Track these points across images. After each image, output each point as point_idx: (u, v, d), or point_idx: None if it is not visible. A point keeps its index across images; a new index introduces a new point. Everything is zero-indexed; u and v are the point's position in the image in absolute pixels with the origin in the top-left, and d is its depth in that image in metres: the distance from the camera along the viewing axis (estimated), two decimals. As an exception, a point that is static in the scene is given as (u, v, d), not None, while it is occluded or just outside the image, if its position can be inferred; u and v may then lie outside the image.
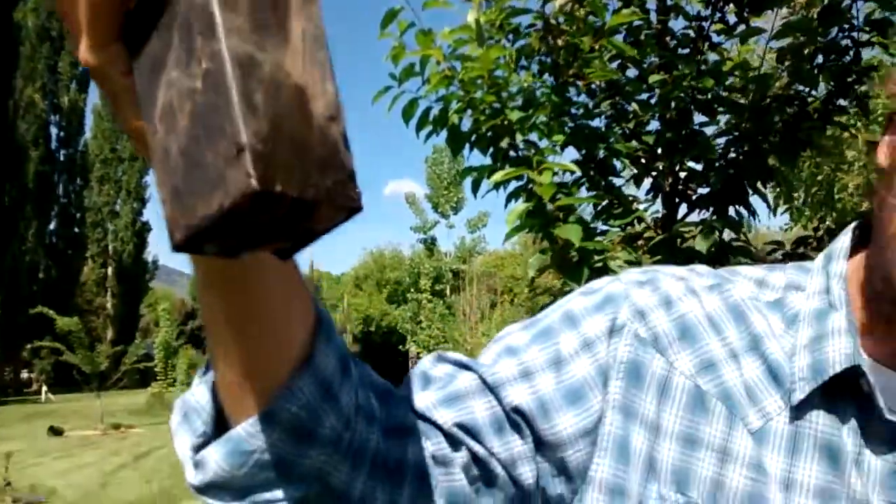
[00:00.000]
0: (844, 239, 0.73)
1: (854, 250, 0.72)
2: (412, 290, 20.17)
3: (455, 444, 0.67)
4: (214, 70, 0.36)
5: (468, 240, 22.35)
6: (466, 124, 2.45)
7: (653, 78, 2.46)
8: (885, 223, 0.63)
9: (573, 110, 2.58)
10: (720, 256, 2.47)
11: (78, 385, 27.21)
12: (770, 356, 0.68)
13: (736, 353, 0.69)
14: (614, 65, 2.60)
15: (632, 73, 2.65)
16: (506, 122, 2.32)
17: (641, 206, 2.71)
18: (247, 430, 0.56)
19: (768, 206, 2.50)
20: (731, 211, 2.45)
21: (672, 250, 2.51)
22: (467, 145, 2.50)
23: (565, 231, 2.09)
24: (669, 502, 0.65)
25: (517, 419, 0.69)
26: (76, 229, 38.65)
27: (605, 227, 2.64)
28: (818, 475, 0.64)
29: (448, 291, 20.23)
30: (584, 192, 2.64)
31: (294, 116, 0.37)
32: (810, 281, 0.72)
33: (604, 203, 2.67)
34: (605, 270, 2.30)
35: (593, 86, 2.64)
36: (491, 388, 0.70)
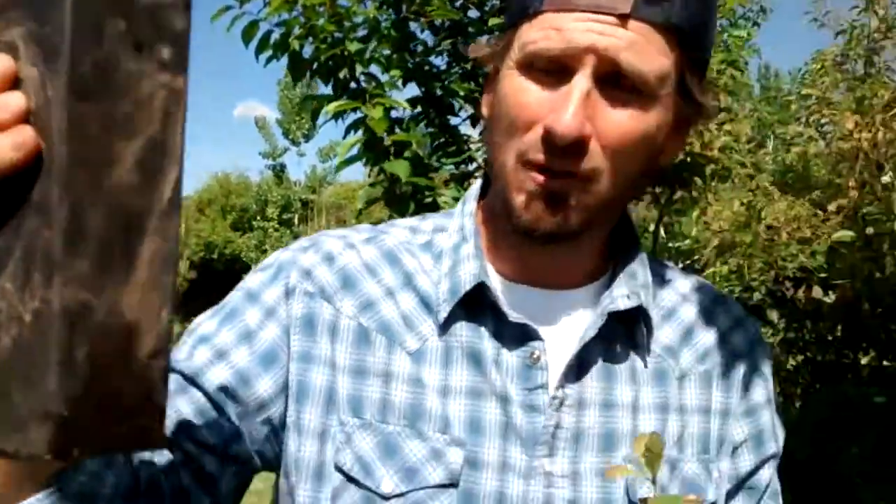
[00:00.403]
0: (476, 184, 0.89)
1: (487, 192, 0.87)
2: (258, 217, 19.72)
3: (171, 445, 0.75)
4: (44, 316, 0.36)
5: (319, 169, 22.04)
6: (308, 51, 2.44)
7: (493, 21, 2.53)
8: (495, 158, 0.78)
9: (414, 46, 2.62)
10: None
11: None
12: (421, 288, 0.82)
13: (392, 290, 0.82)
14: (457, 4, 2.65)
15: (473, 13, 2.71)
16: (345, 53, 2.33)
17: (474, 147, 2.81)
18: None
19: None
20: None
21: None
22: (307, 73, 2.49)
23: (393, 166, 2.15)
24: (348, 426, 0.76)
25: (222, 398, 0.77)
26: None
27: (438, 165, 2.72)
28: (467, 378, 0.78)
29: (296, 221, 19.95)
30: (422, 129, 2.71)
31: (115, 366, 0.38)
32: (451, 223, 0.86)
33: (440, 141, 2.75)
34: (434, 206, 2.39)
35: (436, 23, 2.69)
36: (191, 380, 0.77)
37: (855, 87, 4.21)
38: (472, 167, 2.85)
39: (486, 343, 0.79)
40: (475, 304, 0.79)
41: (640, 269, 0.84)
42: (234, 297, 0.83)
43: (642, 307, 0.80)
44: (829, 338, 4.82)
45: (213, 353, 0.78)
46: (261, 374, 0.78)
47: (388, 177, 2.27)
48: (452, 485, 0.75)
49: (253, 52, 2.40)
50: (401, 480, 0.74)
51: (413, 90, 2.66)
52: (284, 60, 2.46)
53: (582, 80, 0.71)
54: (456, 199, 2.33)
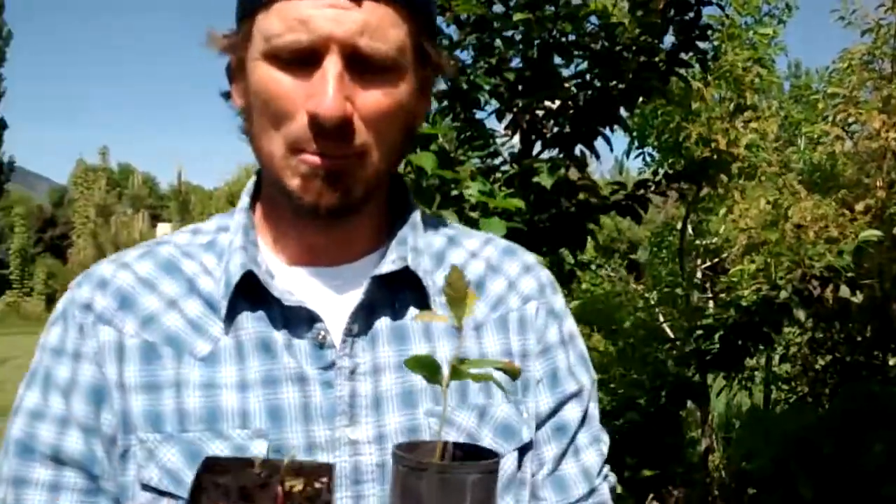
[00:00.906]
0: (251, 180, 0.90)
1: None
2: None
3: None
4: None
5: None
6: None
7: (518, 16, 2.55)
8: (260, 149, 0.79)
9: (440, 41, 2.65)
10: (565, 192, 2.64)
11: (-78, 290, 25.57)
12: (204, 291, 0.82)
13: (174, 300, 0.82)
14: (482, -1, 2.68)
15: (498, 8, 2.73)
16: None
17: (500, 141, 2.84)
18: None
19: (611, 148, 2.68)
20: (579, 152, 2.61)
21: (523, 184, 2.66)
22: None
23: (419, 159, 2.18)
24: (149, 442, 0.76)
25: (90, 459, 0.78)
26: (-78, 123, 35.71)
27: (464, 158, 2.75)
28: (260, 368, 0.79)
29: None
30: (449, 123, 2.74)
31: None
32: (232, 221, 0.87)
33: (466, 134, 2.78)
34: (460, 199, 2.42)
35: (462, 18, 2.72)
36: (58, 462, 0.78)
37: (882, 87, 4.18)
38: (497, 161, 2.88)
39: (276, 331, 0.80)
40: (257, 296, 0.80)
41: (410, 233, 0.86)
42: (43, 360, 0.82)
43: (409, 268, 0.82)
44: (858, 338, 4.79)
45: (56, 425, 0.78)
46: (99, 413, 0.78)
47: (414, 169, 2.30)
48: None
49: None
50: None
51: (439, 84, 2.69)
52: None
53: (333, 64, 0.73)
54: (482, 192, 2.37)
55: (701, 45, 2.50)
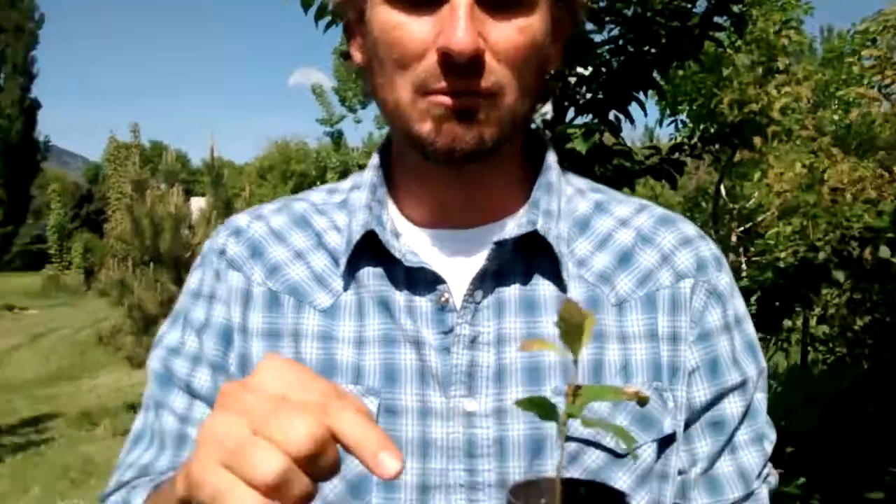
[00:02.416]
0: (385, 138, 0.88)
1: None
2: (318, 183, 19.78)
3: None
4: None
5: (376, 135, 22.12)
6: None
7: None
8: (385, 100, 0.75)
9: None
10: (600, 158, 2.64)
11: (-35, 266, 26.14)
12: (330, 246, 0.82)
13: (302, 253, 0.83)
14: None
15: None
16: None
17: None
18: None
19: (644, 113, 2.68)
20: (613, 118, 2.60)
21: (557, 151, 2.67)
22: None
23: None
24: None
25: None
26: (-43, 103, 36.17)
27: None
28: (379, 327, 0.78)
29: (355, 185, 20.05)
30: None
31: None
32: (364, 179, 0.85)
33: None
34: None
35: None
36: (191, 394, 0.82)
37: (917, 48, 4.10)
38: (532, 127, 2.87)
39: (397, 290, 0.78)
40: (380, 254, 0.79)
41: (544, 195, 0.81)
42: (183, 301, 0.87)
43: (537, 232, 0.77)
44: (898, 299, 4.74)
45: (189, 361, 0.82)
46: (227, 352, 0.82)
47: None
48: None
49: (311, 18, 2.44)
50: None
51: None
52: (333, 25, 2.50)
53: None
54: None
55: (735, 8, 2.48)
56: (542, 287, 0.78)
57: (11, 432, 6.77)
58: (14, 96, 38.30)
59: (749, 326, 0.85)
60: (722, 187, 5.59)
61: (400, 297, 0.78)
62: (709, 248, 0.84)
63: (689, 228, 0.85)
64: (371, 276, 0.79)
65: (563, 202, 0.83)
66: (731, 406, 0.81)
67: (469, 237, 0.80)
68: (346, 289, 0.80)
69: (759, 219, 5.68)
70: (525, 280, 0.78)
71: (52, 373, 9.71)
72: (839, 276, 3.69)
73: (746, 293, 3.99)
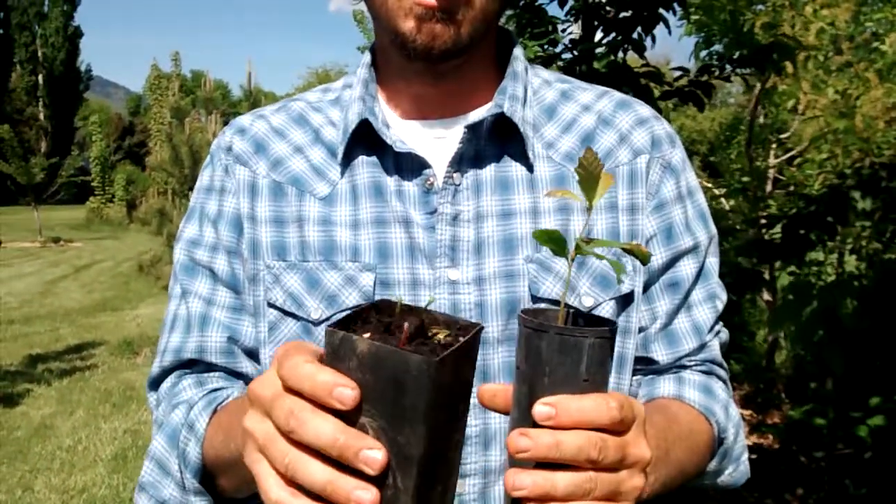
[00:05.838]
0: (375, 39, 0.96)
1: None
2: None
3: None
4: None
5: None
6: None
7: None
8: (371, 2, 0.83)
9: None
10: (628, 78, 2.67)
11: (13, 198, 26.70)
12: (327, 140, 0.92)
13: (301, 147, 0.92)
14: None
15: None
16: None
17: (560, 27, 2.86)
18: None
19: (669, 31, 2.68)
20: (637, 36, 2.62)
21: (583, 70, 2.71)
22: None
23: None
24: (274, 269, 0.87)
25: (235, 280, 0.91)
26: (0, 30, 36.29)
27: (524, 46, 2.79)
28: (371, 209, 0.87)
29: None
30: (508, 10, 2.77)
31: None
32: (355, 77, 0.94)
33: (525, 20, 2.82)
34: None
35: None
36: (214, 278, 0.91)
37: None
38: (558, 49, 2.91)
39: (388, 176, 0.87)
40: (373, 143, 0.87)
41: (510, 83, 0.88)
42: (197, 197, 0.96)
43: (505, 115, 0.85)
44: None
45: (209, 250, 0.91)
46: (240, 239, 0.91)
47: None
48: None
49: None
50: (325, 307, 0.84)
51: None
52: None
53: None
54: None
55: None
56: (514, 168, 0.87)
57: (58, 358, 7.05)
58: (58, 24, 38.32)
59: (700, 197, 0.94)
60: (759, 117, 5.53)
61: (391, 182, 0.87)
62: (662, 127, 0.93)
63: (645, 110, 0.94)
64: (365, 163, 0.88)
65: (531, 92, 0.91)
66: (686, 268, 0.91)
67: (448, 126, 0.89)
68: (341, 177, 0.88)
69: (791, 146, 5.62)
70: (499, 162, 0.87)
71: (96, 303, 10.02)
72: (866, 203, 3.67)
73: (773, 220, 3.99)
